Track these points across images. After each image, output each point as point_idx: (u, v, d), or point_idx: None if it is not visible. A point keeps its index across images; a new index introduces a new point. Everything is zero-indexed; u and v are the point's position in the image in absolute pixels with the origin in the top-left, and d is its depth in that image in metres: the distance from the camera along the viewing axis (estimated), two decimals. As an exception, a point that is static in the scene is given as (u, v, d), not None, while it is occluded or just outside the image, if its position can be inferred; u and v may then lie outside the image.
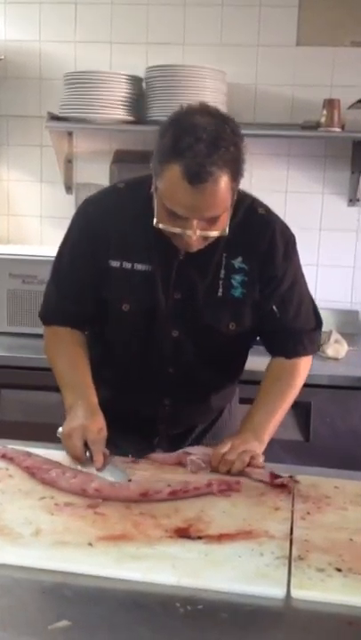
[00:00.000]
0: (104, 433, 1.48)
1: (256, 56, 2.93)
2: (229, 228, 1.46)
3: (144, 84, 2.85)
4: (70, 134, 3.07)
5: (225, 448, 1.49)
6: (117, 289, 1.58)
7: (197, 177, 1.32)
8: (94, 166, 3.08)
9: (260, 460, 1.50)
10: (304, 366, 1.69)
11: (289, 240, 1.62)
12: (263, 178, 2.94)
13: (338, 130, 2.75)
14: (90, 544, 1.16)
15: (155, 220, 1.44)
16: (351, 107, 2.74)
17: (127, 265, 1.56)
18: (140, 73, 2.84)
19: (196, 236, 1.41)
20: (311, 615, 1.03)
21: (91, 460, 1.44)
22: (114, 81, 2.75)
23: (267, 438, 1.57)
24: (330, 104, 2.74)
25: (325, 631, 1.01)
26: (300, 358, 1.68)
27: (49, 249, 2.93)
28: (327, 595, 1.06)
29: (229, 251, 1.55)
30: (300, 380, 1.68)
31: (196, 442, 1.75)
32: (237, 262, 1.56)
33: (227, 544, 1.18)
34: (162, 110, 2.73)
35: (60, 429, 1.50)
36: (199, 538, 1.20)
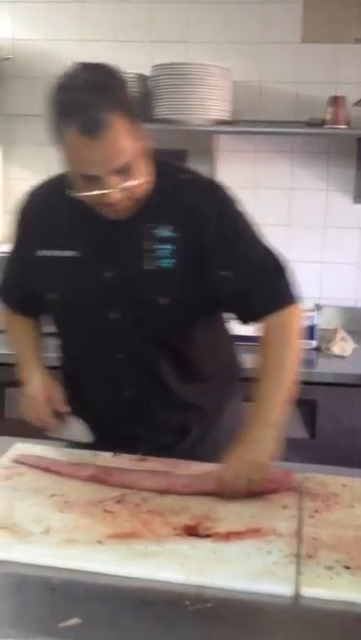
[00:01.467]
0: (60, 392, 1.56)
1: (260, 53, 2.92)
2: (153, 196, 1.43)
3: (149, 83, 2.85)
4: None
5: (228, 473, 1.36)
6: (43, 278, 1.56)
7: (91, 127, 1.29)
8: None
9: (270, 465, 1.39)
10: (290, 319, 1.52)
11: (222, 199, 1.53)
12: (268, 175, 2.94)
13: (343, 127, 2.74)
14: (99, 542, 1.16)
15: (68, 191, 1.41)
16: (356, 104, 2.74)
17: (54, 252, 1.53)
18: (146, 71, 2.84)
19: (115, 191, 1.36)
20: (320, 613, 1.04)
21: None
22: (119, 79, 2.74)
23: (276, 418, 1.42)
24: (335, 101, 2.74)
25: (334, 629, 1.01)
26: (280, 313, 1.51)
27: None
28: (335, 592, 1.07)
29: (155, 220, 1.48)
30: (294, 337, 1.51)
31: (190, 453, 1.59)
32: (163, 231, 1.47)
33: (235, 542, 1.19)
34: (168, 108, 2.74)
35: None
36: (207, 536, 1.20)
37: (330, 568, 1.12)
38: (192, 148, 2.95)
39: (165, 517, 1.25)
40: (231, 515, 1.28)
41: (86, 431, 1.53)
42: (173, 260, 1.47)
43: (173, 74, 2.72)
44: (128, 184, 1.38)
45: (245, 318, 1.55)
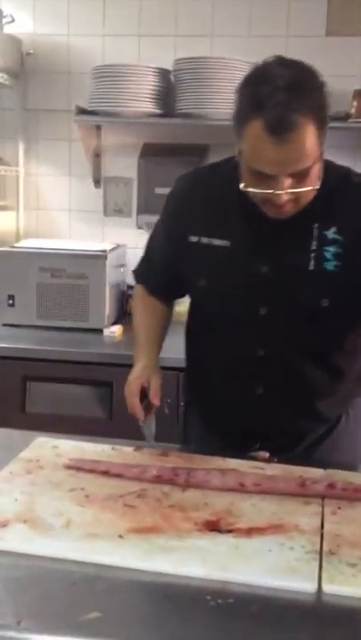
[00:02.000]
0: (158, 381, 1.54)
1: (285, 47, 2.89)
2: (320, 198, 1.41)
3: (172, 77, 2.84)
4: (98, 128, 3.07)
5: None
6: (194, 264, 1.55)
7: (281, 127, 1.26)
8: (122, 160, 3.09)
9: None
10: None
11: None
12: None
13: (368, 121, 2.71)
14: (120, 536, 1.16)
15: (241, 185, 1.39)
16: (382, 97, 2.71)
17: (205, 240, 1.53)
18: (169, 65, 2.83)
19: (287, 193, 1.34)
20: (342, 610, 1.02)
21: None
22: (142, 74, 2.74)
23: None
24: (360, 95, 2.70)
25: (356, 626, 0.99)
26: None
27: (78, 243, 2.97)
28: (358, 589, 1.05)
29: (322, 221, 1.46)
30: None
31: (305, 455, 1.61)
32: (331, 233, 1.46)
33: (257, 538, 1.18)
34: (190, 103, 2.73)
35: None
36: (229, 531, 1.19)
37: (352, 565, 1.11)
38: (215, 143, 2.94)
39: (187, 512, 1.25)
40: (253, 510, 1.27)
41: (153, 434, 1.55)
42: (338, 263, 1.46)
43: (196, 68, 2.71)
44: (301, 189, 1.36)
45: None
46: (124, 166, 3.08)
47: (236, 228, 1.51)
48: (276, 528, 1.21)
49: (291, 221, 1.43)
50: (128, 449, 1.52)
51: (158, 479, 1.35)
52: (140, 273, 1.77)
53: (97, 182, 3.12)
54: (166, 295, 1.73)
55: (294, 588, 1.06)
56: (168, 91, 2.83)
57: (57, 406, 2.55)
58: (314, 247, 1.46)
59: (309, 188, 1.37)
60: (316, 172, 1.37)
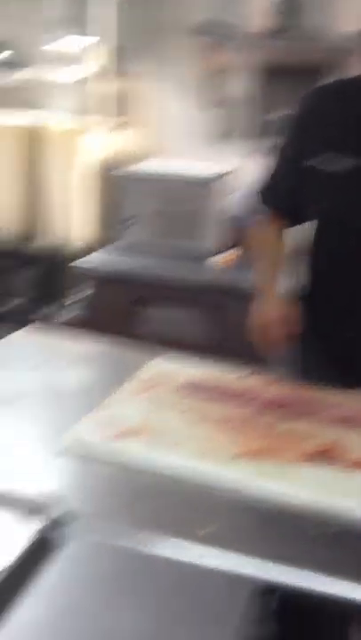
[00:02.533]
0: (296, 311, 1.52)
1: None
2: None
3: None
4: (217, 46, 2.99)
5: None
6: (322, 184, 1.49)
7: None
8: (244, 80, 3.01)
9: None
10: None
11: None
12: None
13: None
14: (232, 458, 1.20)
15: None
16: None
17: (338, 159, 1.45)
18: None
19: None
20: None
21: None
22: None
23: None
24: None
25: None
26: None
27: (192, 166, 2.95)
28: None
29: None
30: None
31: None
32: None
33: (367, 470, 1.19)
34: (313, 21, 2.60)
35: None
36: (338, 462, 1.21)
37: None
38: (337, 64, 2.80)
39: (298, 440, 1.27)
40: (363, 444, 1.27)
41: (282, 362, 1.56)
42: None
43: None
44: None
45: None
46: (246, 86, 3.01)
47: None
48: (386, 462, 1.21)
49: None
50: (244, 372, 1.54)
51: (270, 405, 1.37)
52: (265, 194, 1.69)
53: (214, 103, 3.06)
54: (292, 217, 1.65)
55: None
56: (292, 8, 2.70)
57: (169, 331, 2.61)
58: None
59: None
60: None
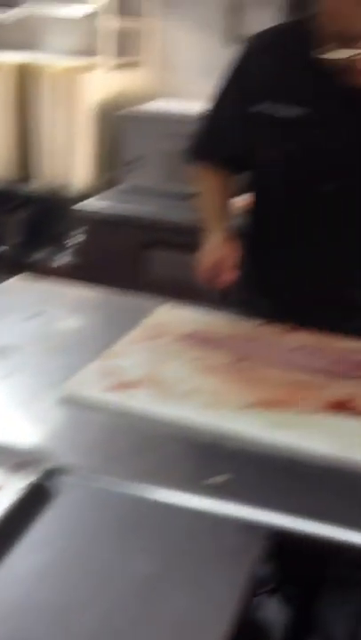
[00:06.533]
0: (235, 254, 1.48)
1: None
2: None
3: None
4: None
5: None
6: (264, 132, 1.46)
7: None
8: (265, 15, 2.84)
9: None
10: None
11: None
12: None
13: None
14: (246, 406, 1.14)
15: (319, 51, 1.31)
16: None
17: (277, 106, 1.42)
18: None
19: None
20: None
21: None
22: None
23: None
24: None
25: None
26: None
27: (208, 106, 2.82)
28: None
29: None
30: None
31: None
32: None
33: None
34: None
35: None
36: (357, 413, 1.15)
37: None
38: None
39: (313, 390, 1.21)
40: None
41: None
42: None
43: None
44: None
45: None
46: (262, 23, 2.84)
47: (313, 97, 1.40)
48: None
49: None
50: (252, 323, 1.47)
51: (283, 354, 1.31)
52: (199, 149, 1.64)
53: (235, 39, 2.91)
54: (237, 167, 1.59)
55: None
56: None
57: (178, 274, 2.53)
58: None
59: None
60: None
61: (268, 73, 1.45)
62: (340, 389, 1.22)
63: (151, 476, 0.98)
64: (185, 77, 3.05)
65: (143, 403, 1.15)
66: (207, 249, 1.52)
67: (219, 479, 0.97)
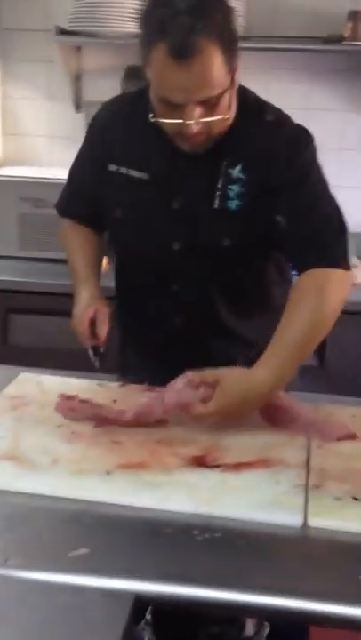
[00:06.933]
0: (106, 309, 1.52)
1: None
2: (231, 133, 1.39)
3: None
4: (79, 49, 2.94)
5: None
6: (112, 194, 1.54)
7: (184, 51, 1.23)
8: (105, 83, 2.96)
9: None
10: (331, 284, 1.39)
11: (298, 144, 1.45)
12: (283, 94, 2.80)
13: (362, 43, 2.62)
14: (107, 472, 1.16)
15: (150, 116, 1.38)
16: (376, 18, 2.60)
17: (123, 170, 1.50)
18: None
19: (197, 123, 1.32)
20: (327, 543, 1.04)
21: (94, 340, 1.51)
22: (124, -9, 2.61)
23: (280, 372, 1.33)
24: (355, 16, 2.59)
25: (342, 559, 1.01)
26: (324, 272, 1.40)
27: (60, 171, 2.87)
28: (344, 523, 1.07)
29: (230, 158, 1.44)
30: (331, 303, 1.38)
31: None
32: (235, 171, 1.44)
33: (244, 472, 1.18)
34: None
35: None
36: (216, 466, 1.20)
37: (338, 499, 1.12)
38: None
39: (174, 448, 1.25)
40: (240, 445, 1.27)
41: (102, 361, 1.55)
42: (240, 203, 1.45)
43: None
44: (210, 119, 1.33)
45: (296, 268, 1.50)
46: (107, 89, 2.95)
47: (155, 160, 1.48)
48: (262, 462, 1.21)
49: (203, 157, 1.42)
50: (114, 384, 1.51)
51: (144, 414, 1.32)
52: (64, 205, 1.72)
53: (78, 107, 3.01)
54: (96, 225, 1.67)
55: (281, 521, 1.07)
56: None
57: (41, 339, 2.53)
58: (220, 185, 1.45)
59: (219, 117, 1.34)
60: (227, 101, 1.35)
61: (116, 138, 1.52)
62: (200, 445, 1.26)
63: (17, 554, 0.97)
64: (32, 144, 3.10)
65: (6, 477, 1.14)
66: (79, 306, 1.54)
67: (82, 551, 0.97)
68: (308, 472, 1.19)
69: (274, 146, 1.44)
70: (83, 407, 1.33)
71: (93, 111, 3.07)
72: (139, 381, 1.52)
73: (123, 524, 1.06)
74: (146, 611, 1.21)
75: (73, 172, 1.68)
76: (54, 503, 1.09)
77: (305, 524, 1.07)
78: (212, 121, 1.34)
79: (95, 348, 1.53)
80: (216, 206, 1.45)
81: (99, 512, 1.08)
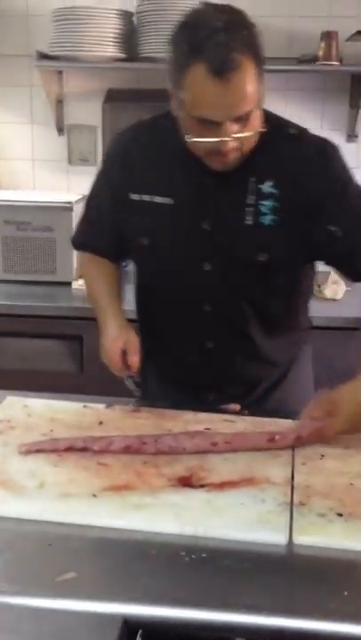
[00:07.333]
0: (136, 339, 1.52)
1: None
2: (257, 150, 1.41)
3: (135, 19, 2.74)
4: (60, 73, 2.97)
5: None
6: (136, 223, 1.54)
7: (224, 67, 1.27)
8: (86, 106, 3.00)
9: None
10: None
11: (326, 153, 1.49)
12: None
13: (336, 63, 2.66)
14: (94, 495, 1.16)
15: (186, 137, 1.39)
16: (350, 39, 2.65)
17: (146, 198, 1.52)
18: (132, 7, 2.73)
19: (233, 140, 1.34)
20: (314, 560, 1.05)
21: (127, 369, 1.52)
22: (104, 16, 2.64)
23: None
24: (327, 36, 2.65)
25: (328, 576, 1.02)
26: None
27: (43, 194, 2.90)
28: (329, 540, 1.08)
29: (258, 174, 1.46)
30: None
31: (257, 405, 1.63)
32: (266, 187, 1.46)
33: (229, 491, 1.19)
34: (154, 46, 2.64)
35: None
36: (201, 486, 1.21)
37: (323, 515, 1.13)
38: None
39: (159, 469, 1.26)
40: (225, 464, 1.28)
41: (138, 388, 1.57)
42: (275, 217, 1.46)
43: (158, 9, 2.62)
44: (245, 134, 1.36)
45: (352, 276, 1.56)
46: (88, 113, 3.00)
47: (178, 184, 1.50)
48: (247, 481, 1.22)
49: (230, 175, 1.44)
50: (100, 406, 1.51)
51: (127, 450, 1.31)
52: (82, 239, 1.72)
53: (60, 130, 3.04)
54: (115, 256, 1.69)
55: (266, 540, 1.08)
56: (132, 34, 2.74)
57: (26, 362, 2.54)
58: (251, 201, 1.47)
59: (252, 132, 1.37)
60: (258, 117, 1.38)
61: (135, 166, 1.54)
62: (185, 465, 1.27)
63: (4, 579, 0.97)
64: (14, 167, 3.11)
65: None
66: (108, 337, 1.54)
67: (70, 575, 0.98)
68: (292, 489, 1.20)
69: (303, 158, 1.47)
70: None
71: (76, 134, 3.14)
72: (159, 405, 1.52)
73: (110, 547, 1.06)
74: (137, 634, 1.21)
75: (90, 205, 1.68)
76: (41, 527, 1.10)
77: (290, 542, 1.08)
78: (245, 137, 1.36)
79: (131, 377, 1.53)
80: (248, 222, 1.47)
81: (86, 535, 1.08)
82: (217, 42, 1.27)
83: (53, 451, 1.30)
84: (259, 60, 1.32)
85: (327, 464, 1.30)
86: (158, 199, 1.51)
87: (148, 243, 1.54)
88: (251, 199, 1.47)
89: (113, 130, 2.89)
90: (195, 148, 1.41)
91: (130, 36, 2.73)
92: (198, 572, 1.01)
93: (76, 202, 2.72)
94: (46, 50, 2.74)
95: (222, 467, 1.27)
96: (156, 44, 2.63)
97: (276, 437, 1.34)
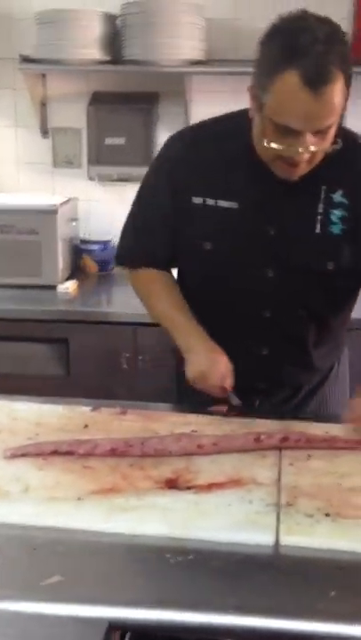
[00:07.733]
0: (228, 360, 1.48)
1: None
2: (328, 160, 1.40)
3: (118, 22, 2.74)
4: (44, 76, 2.96)
5: None
6: (199, 226, 1.51)
7: (319, 78, 1.24)
8: (71, 109, 2.99)
9: None
10: None
11: None
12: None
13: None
14: (79, 498, 1.16)
15: (264, 142, 1.36)
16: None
17: (210, 202, 1.49)
18: (115, 10, 2.73)
19: (308, 151, 1.32)
20: (301, 561, 1.05)
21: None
22: (87, 19, 2.64)
23: None
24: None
25: (315, 577, 1.02)
26: None
27: (27, 196, 2.89)
28: (316, 540, 1.08)
29: (329, 184, 1.46)
30: None
31: (300, 407, 1.65)
32: (337, 196, 1.46)
33: (216, 493, 1.19)
34: (138, 48, 2.64)
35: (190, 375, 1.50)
36: (188, 488, 1.20)
37: (310, 516, 1.13)
38: (164, 90, 2.88)
39: (146, 471, 1.25)
40: (212, 466, 1.28)
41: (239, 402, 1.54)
42: (343, 227, 1.47)
43: (142, 12, 2.62)
44: (323, 147, 1.35)
45: None
46: (73, 116, 2.99)
47: (243, 188, 1.48)
48: (234, 482, 1.22)
49: (299, 183, 1.42)
50: (85, 409, 1.50)
51: (113, 452, 1.30)
52: (134, 255, 1.64)
53: (44, 133, 3.03)
54: (169, 265, 1.64)
55: (253, 541, 1.07)
56: (115, 36, 2.73)
57: (12, 365, 2.52)
58: (320, 210, 1.47)
59: (328, 145, 1.36)
60: (334, 130, 1.37)
61: (195, 170, 1.50)
62: (172, 467, 1.26)
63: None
64: (0, 171, 3.10)
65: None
66: (199, 359, 1.48)
67: (56, 578, 0.97)
68: (279, 490, 1.20)
69: None
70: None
71: (60, 137, 3.13)
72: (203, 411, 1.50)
73: (96, 550, 1.06)
74: (125, 637, 1.21)
75: (138, 218, 1.62)
76: (26, 532, 1.09)
77: (277, 543, 1.07)
78: (320, 150, 1.35)
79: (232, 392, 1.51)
80: (318, 231, 1.47)
81: (71, 539, 1.07)
82: (316, 52, 1.25)
83: (39, 454, 1.29)
84: (348, 77, 1.31)
85: (314, 464, 1.30)
86: (223, 203, 1.49)
87: (212, 247, 1.51)
88: (321, 207, 1.47)
89: (98, 132, 2.90)
90: (264, 151, 1.39)
91: (114, 39, 2.73)
92: (185, 574, 1.00)
93: (61, 204, 2.72)
94: (30, 53, 2.73)
95: (209, 468, 1.27)
96: (139, 46, 2.63)
97: (262, 437, 1.34)
